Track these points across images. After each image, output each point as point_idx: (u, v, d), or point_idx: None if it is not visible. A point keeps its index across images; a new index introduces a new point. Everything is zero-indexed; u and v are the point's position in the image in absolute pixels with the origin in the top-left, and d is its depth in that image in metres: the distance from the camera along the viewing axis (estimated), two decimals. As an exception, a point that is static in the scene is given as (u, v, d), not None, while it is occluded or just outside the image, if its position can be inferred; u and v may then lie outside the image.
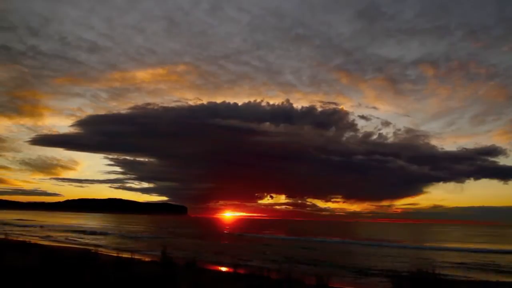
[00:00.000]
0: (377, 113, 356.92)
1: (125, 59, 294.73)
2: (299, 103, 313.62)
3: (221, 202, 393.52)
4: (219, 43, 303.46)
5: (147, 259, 14.46)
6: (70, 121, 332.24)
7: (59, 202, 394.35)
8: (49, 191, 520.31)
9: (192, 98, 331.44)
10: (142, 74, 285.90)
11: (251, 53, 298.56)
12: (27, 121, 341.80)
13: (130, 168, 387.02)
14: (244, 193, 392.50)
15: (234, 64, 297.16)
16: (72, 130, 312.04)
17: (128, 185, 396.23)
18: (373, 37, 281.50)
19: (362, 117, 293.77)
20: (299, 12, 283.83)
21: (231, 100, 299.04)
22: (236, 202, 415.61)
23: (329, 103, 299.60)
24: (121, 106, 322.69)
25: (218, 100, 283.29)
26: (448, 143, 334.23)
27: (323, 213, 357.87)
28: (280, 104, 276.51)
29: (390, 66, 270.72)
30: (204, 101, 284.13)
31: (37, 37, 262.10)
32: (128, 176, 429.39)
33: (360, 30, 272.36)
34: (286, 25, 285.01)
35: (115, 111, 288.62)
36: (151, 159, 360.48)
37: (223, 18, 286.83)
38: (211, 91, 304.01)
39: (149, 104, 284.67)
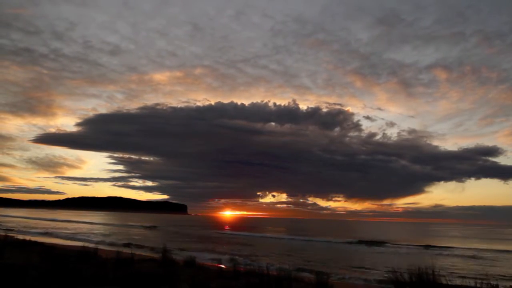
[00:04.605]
0: (384, 115, 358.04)
1: (146, 62, 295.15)
2: (309, 105, 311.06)
3: (222, 200, 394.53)
4: (239, 47, 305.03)
5: (147, 257, 14.47)
6: (80, 121, 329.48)
7: (60, 200, 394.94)
8: (53, 190, 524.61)
9: (201, 99, 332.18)
10: (159, 76, 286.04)
11: (270, 57, 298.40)
12: (39, 121, 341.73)
13: (134, 166, 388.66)
14: (245, 192, 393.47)
15: (252, 68, 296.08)
16: (79, 129, 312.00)
17: (131, 183, 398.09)
18: (390, 42, 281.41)
19: (367, 118, 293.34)
20: (320, 18, 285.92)
21: (244, 102, 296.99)
22: (237, 201, 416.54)
23: (335, 104, 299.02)
24: (133, 107, 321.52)
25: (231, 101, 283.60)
26: (453, 144, 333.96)
27: (324, 212, 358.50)
28: (286, 104, 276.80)
29: (404, 70, 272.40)
30: (212, 101, 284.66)
31: (61, 41, 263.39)
32: (133, 174, 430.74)
33: (378, 36, 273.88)
34: (307, 30, 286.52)
35: (124, 111, 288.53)
36: (156, 158, 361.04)
37: (246, 23, 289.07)
38: (226, 93, 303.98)
39: (158, 104, 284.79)
